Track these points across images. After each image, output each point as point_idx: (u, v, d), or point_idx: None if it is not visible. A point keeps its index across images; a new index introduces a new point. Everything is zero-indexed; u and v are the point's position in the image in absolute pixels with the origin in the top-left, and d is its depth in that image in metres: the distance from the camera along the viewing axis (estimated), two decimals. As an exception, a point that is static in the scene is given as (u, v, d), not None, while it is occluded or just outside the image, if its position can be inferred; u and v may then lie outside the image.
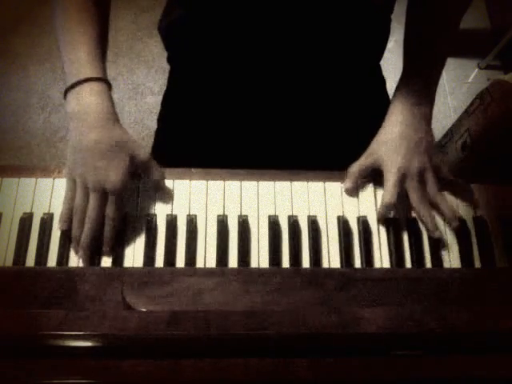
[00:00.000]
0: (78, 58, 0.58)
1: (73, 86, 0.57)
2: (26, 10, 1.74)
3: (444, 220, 0.61)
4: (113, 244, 0.57)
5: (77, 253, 0.57)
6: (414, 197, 0.60)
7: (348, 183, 0.62)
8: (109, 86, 0.59)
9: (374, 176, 0.63)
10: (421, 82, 0.65)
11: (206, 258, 0.58)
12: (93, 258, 0.57)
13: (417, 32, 0.69)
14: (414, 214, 0.61)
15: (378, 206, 0.61)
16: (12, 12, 1.74)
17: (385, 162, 0.62)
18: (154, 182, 0.61)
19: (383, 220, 0.61)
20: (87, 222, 0.56)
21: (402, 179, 0.60)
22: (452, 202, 0.62)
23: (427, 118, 0.64)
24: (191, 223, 0.59)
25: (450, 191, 0.63)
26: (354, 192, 0.62)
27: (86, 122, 0.56)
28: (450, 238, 0.60)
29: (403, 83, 0.66)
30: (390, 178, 0.60)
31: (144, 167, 0.60)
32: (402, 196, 0.61)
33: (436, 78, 0.67)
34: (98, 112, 0.56)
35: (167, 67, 0.88)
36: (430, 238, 0.60)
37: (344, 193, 0.62)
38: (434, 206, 0.61)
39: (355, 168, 0.63)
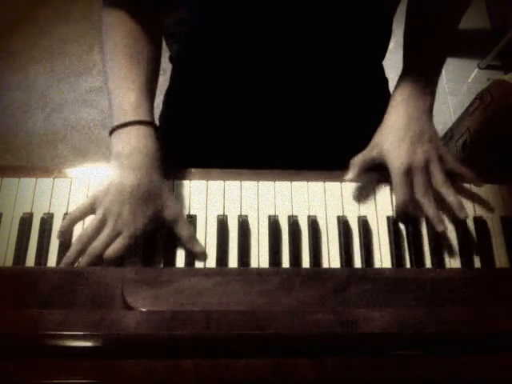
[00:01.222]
0: (129, 99, 0.58)
1: (121, 126, 0.57)
2: (26, 10, 1.74)
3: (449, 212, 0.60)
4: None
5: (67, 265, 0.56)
6: (419, 189, 0.60)
7: (350, 174, 0.61)
8: (156, 129, 0.59)
9: (375, 174, 0.63)
10: (422, 77, 0.65)
11: (206, 257, 0.58)
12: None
13: (418, 27, 0.69)
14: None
15: (383, 203, 0.61)
16: (12, 12, 1.74)
17: (389, 156, 0.61)
18: (182, 240, 0.58)
19: (383, 220, 0.61)
20: (88, 253, 0.55)
21: (408, 173, 0.60)
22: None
23: (429, 111, 0.64)
24: (191, 223, 0.59)
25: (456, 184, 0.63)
26: (334, 190, 0.62)
27: (130, 162, 0.56)
28: (450, 237, 0.60)
29: (404, 77, 0.66)
30: (397, 176, 0.60)
31: (169, 223, 0.58)
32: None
33: (437, 73, 0.67)
34: (143, 156, 0.56)
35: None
36: (429, 238, 0.60)
37: (344, 191, 0.62)
38: (440, 196, 0.60)
39: (358, 159, 0.63)
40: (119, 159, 0.57)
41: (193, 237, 0.58)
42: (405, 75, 0.66)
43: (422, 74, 0.65)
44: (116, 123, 0.57)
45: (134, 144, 0.56)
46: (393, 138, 0.62)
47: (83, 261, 0.55)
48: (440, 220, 0.59)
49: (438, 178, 0.60)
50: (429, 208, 0.59)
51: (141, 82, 0.59)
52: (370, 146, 0.64)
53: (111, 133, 0.58)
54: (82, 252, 0.55)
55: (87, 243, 0.55)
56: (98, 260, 0.55)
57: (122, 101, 0.58)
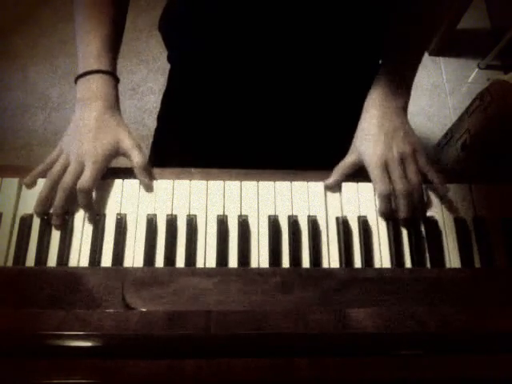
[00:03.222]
0: (91, 51, 0.63)
1: (84, 75, 0.62)
2: (26, 9, 1.74)
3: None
4: (89, 209, 0.59)
5: (38, 209, 0.58)
6: (395, 184, 0.60)
7: (330, 180, 0.62)
8: (116, 79, 0.64)
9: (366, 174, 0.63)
10: (395, 78, 0.66)
11: (206, 257, 0.58)
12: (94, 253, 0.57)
13: (391, 33, 0.70)
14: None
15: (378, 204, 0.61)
16: (12, 12, 1.74)
17: (366, 155, 0.62)
18: (134, 168, 0.61)
19: (383, 220, 0.61)
20: (60, 188, 0.58)
21: (385, 168, 0.61)
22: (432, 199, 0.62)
23: (403, 110, 0.65)
24: (191, 223, 0.59)
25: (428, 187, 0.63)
26: (334, 189, 0.62)
27: (89, 104, 0.61)
28: (450, 238, 0.60)
29: (378, 79, 0.67)
30: (375, 170, 0.61)
31: (125, 153, 0.62)
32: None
33: (410, 74, 0.68)
34: (101, 100, 0.62)
35: (167, 67, 0.88)
36: (429, 238, 0.60)
37: (344, 191, 0.62)
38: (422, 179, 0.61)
39: (339, 166, 0.63)
40: (80, 103, 0.62)
41: (144, 165, 0.61)
42: (379, 78, 0.67)
43: (396, 76, 0.66)
44: (79, 72, 0.63)
45: (93, 90, 0.62)
46: (368, 139, 0.63)
47: (57, 198, 0.58)
48: (409, 216, 0.59)
49: (411, 174, 0.61)
50: (402, 201, 0.59)
51: (103, 36, 0.64)
52: (350, 152, 0.65)
53: (76, 81, 0.64)
54: (53, 189, 0.59)
55: (57, 179, 0.59)
56: (71, 196, 0.58)
57: (86, 52, 0.64)
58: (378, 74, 0.67)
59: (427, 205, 0.62)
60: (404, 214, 0.59)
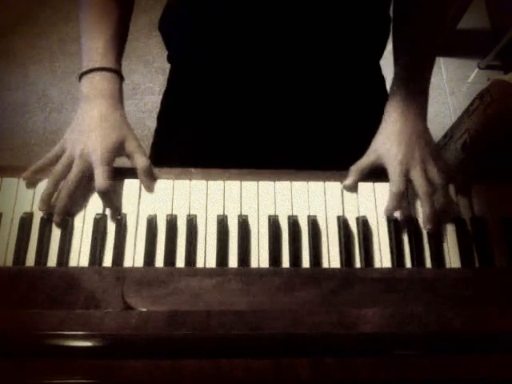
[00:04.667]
0: (96, 49, 0.63)
1: (88, 72, 0.62)
2: (26, 10, 1.74)
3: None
4: (115, 209, 0.59)
5: (41, 208, 0.58)
6: (419, 185, 0.60)
7: (348, 180, 0.62)
8: (120, 77, 0.64)
9: (374, 176, 0.63)
10: (413, 79, 0.66)
11: (206, 257, 0.58)
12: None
13: (404, 33, 0.70)
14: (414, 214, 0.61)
15: (383, 203, 0.61)
16: (12, 12, 1.74)
17: (386, 159, 0.62)
18: (137, 170, 0.61)
19: (383, 220, 0.61)
20: (64, 186, 0.58)
21: (406, 171, 0.61)
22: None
23: (422, 115, 0.65)
24: (191, 223, 0.59)
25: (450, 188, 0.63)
26: (353, 189, 0.62)
27: (96, 102, 0.61)
28: (450, 237, 0.60)
29: (397, 83, 0.67)
30: (394, 170, 0.61)
31: (128, 153, 0.62)
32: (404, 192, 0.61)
33: (426, 76, 0.68)
34: (106, 97, 0.61)
35: (167, 67, 0.88)
36: (429, 238, 0.60)
37: (344, 191, 0.62)
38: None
39: (357, 166, 0.63)
40: (84, 101, 0.61)
41: (147, 169, 0.60)
42: (397, 82, 0.67)
43: (413, 76, 0.66)
44: (84, 69, 0.62)
45: (98, 87, 0.61)
46: (390, 143, 0.63)
47: (61, 196, 0.58)
48: (430, 220, 0.59)
49: (434, 175, 0.61)
50: (427, 203, 0.59)
51: (109, 34, 0.64)
52: (369, 152, 0.65)
53: (80, 78, 0.63)
54: (56, 186, 0.58)
55: (60, 178, 0.58)
56: (74, 195, 0.58)
57: (90, 49, 0.63)
58: (394, 78, 0.67)
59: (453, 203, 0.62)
60: (429, 215, 0.59)
